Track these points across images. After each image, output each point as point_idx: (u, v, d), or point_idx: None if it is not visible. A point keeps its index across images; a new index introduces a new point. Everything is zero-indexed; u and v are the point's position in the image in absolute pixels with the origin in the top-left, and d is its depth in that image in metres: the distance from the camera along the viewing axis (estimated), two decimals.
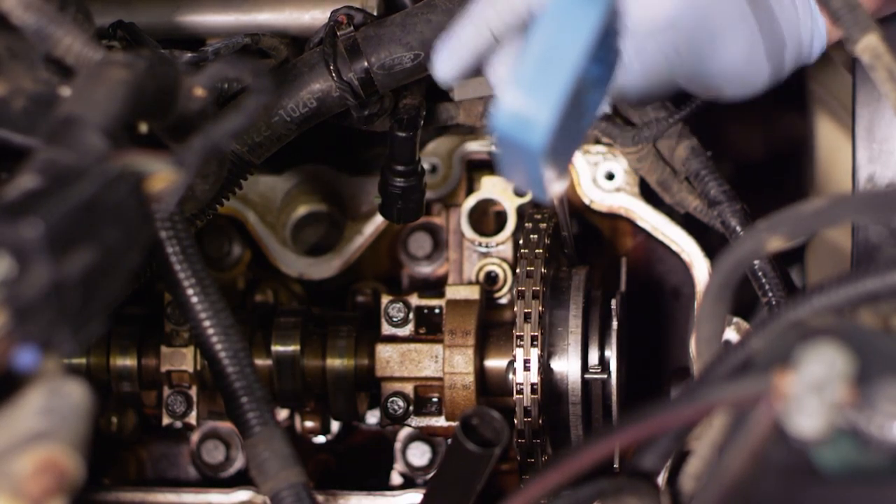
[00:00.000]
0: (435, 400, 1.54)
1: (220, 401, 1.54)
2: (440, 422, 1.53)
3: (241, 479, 1.60)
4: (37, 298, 0.92)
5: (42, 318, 0.93)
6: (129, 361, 1.55)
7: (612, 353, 1.49)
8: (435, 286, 1.65)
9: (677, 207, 1.55)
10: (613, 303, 1.48)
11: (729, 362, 1.07)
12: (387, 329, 1.54)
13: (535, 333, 1.45)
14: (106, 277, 0.98)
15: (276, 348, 1.54)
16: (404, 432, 1.61)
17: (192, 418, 1.55)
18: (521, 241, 1.51)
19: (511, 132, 1.01)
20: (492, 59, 1.23)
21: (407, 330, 1.54)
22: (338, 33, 1.42)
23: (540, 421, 1.46)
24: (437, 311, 1.54)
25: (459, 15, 1.22)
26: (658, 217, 1.56)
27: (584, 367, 1.48)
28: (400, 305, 1.54)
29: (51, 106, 1.12)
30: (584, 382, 1.48)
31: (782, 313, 1.07)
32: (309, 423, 1.63)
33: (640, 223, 1.57)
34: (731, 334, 1.52)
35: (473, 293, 1.53)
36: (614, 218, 1.60)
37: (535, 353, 1.45)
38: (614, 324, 1.48)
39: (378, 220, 1.62)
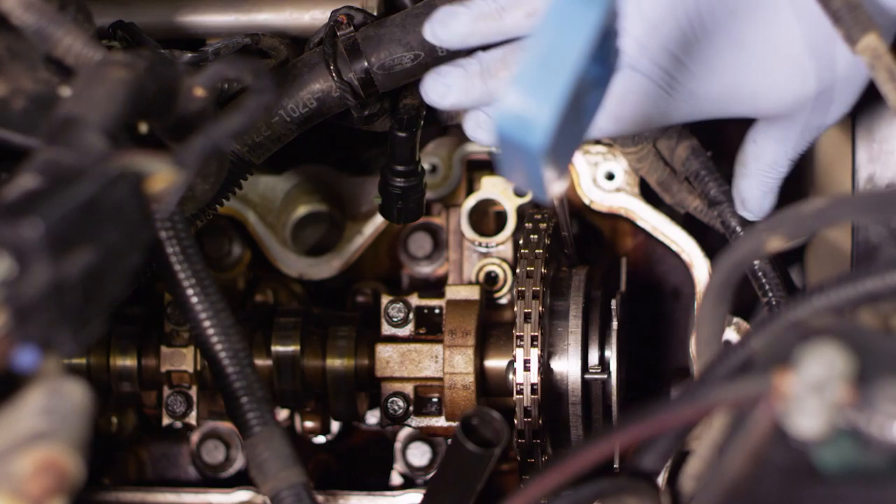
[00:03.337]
0: (435, 400, 1.54)
1: (220, 401, 1.55)
2: (440, 422, 1.53)
3: (241, 479, 1.60)
4: (37, 298, 0.92)
5: (42, 318, 0.93)
6: (129, 361, 1.55)
7: (612, 354, 1.49)
8: (435, 286, 1.65)
9: (677, 207, 1.55)
10: (613, 303, 1.48)
11: (729, 362, 1.07)
12: (387, 329, 1.54)
13: (535, 333, 1.45)
14: (106, 277, 0.98)
15: (276, 348, 1.54)
16: (404, 432, 1.61)
17: (192, 418, 1.55)
18: (521, 241, 1.51)
19: (511, 132, 1.01)
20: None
21: (407, 330, 1.54)
22: (338, 33, 1.42)
23: (540, 421, 1.46)
24: (437, 311, 1.54)
25: None
26: (658, 217, 1.56)
27: (584, 367, 1.49)
28: (400, 305, 1.54)
29: (51, 106, 1.12)
30: (584, 382, 1.48)
31: (782, 313, 1.07)
32: (309, 423, 1.63)
33: (640, 223, 1.57)
34: (731, 334, 1.52)
35: (473, 293, 1.53)
36: (614, 218, 1.60)
37: (535, 353, 1.45)
38: (614, 324, 1.48)
39: (378, 220, 1.62)
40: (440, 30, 1.32)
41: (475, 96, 1.34)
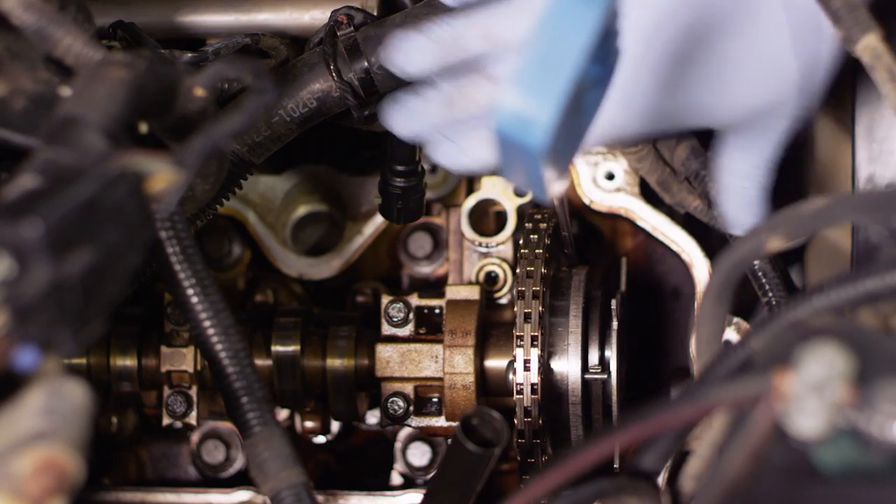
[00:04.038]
0: (435, 400, 1.54)
1: (220, 401, 1.55)
2: (440, 422, 1.53)
3: (241, 479, 1.60)
4: (37, 298, 0.92)
5: (42, 318, 0.93)
6: (129, 361, 1.55)
7: (612, 354, 1.49)
8: (435, 286, 1.65)
9: (677, 207, 1.55)
10: (613, 303, 1.48)
11: (729, 362, 1.07)
12: (387, 329, 1.54)
13: (535, 333, 1.45)
14: (106, 277, 0.98)
15: (276, 348, 1.54)
16: (404, 432, 1.61)
17: (192, 418, 1.55)
18: (521, 241, 1.51)
19: (511, 132, 1.01)
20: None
21: (407, 330, 1.54)
22: (338, 33, 1.42)
23: (540, 421, 1.46)
24: (437, 311, 1.54)
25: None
26: (658, 217, 1.56)
27: (584, 367, 1.49)
28: (400, 305, 1.54)
29: (51, 106, 1.12)
30: (584, 382, 1.48)
31: (782, 313, 1.07)
32: (309, 423, 1.63)
33: (640, 223, 1.57)
34: (731, 334, 1.52)
35: (473, 293, 1.53)
36: (614, 218, 1.60)
37: (535, 353, 1.45)
38: (614, 324, 1.48)
39: (378, 220, 1.62)
40: (398, 57, 1.26)
41: (436, 125, 1.28)
